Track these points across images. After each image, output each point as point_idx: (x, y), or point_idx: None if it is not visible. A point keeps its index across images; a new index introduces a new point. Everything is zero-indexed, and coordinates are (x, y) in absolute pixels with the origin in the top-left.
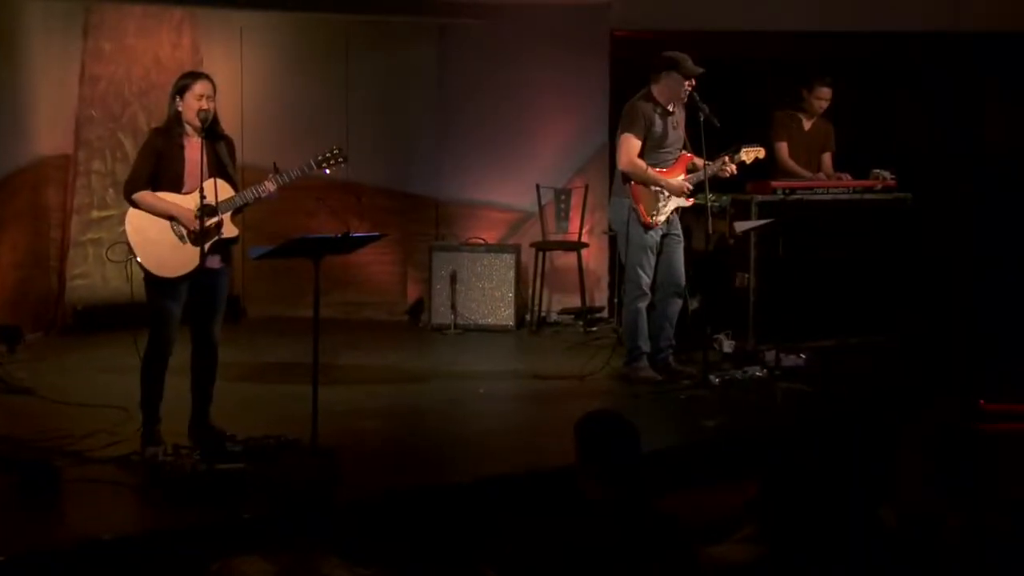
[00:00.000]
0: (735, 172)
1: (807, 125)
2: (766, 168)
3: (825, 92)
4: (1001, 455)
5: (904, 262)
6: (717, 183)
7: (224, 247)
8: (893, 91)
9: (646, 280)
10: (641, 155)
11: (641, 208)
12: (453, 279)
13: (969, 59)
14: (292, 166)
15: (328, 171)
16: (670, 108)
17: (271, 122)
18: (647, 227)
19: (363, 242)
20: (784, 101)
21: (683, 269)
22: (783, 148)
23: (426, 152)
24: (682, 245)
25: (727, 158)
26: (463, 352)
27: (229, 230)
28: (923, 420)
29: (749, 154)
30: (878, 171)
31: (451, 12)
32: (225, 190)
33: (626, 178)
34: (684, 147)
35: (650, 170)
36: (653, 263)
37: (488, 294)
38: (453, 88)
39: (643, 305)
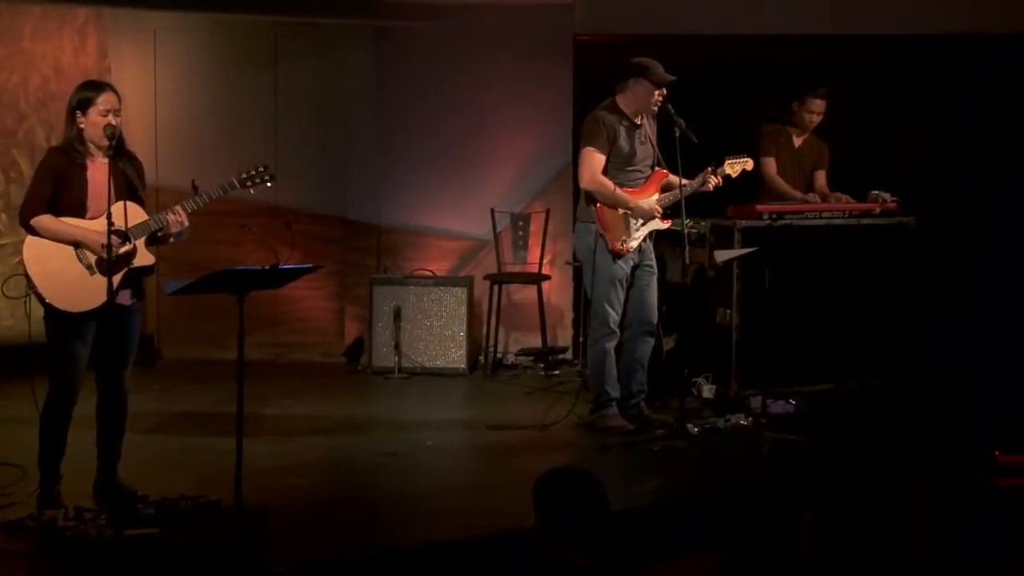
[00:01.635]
0: (720, 184)
1: (798, 142)
2: (751, 189)
3: (818, 105)
4: (1019, 513)
5: (908, 295)
6: (695, 206)
7: (136, 279)
8: (895, 102)
9: (614, 317)
10: (606, 173)
11: (609, 234)
12: (397, 316)
13: (984, 64)
14: (212, 186)
15: (253, 191)
16: (638, 120)
17: (188, 136)
18: (616, 256)
19: (294, 275)
20: (772, 115)
21: (656, 305)
22: (771, 164)
23: (365, 172)
24: (655, 277)
25: (709, 170)
26: (408, 399)
27: (142, 258)
28: (932, 474)
29: (735, 166)
30: (877, 192)
31: (392, 13)
32: (137, 214)
33: (591, 200)
34: (657, 164)
35: (617, 189)
36: (623, 297)
37: (436, 333)
38: (396, 100)
39: (611, 345)
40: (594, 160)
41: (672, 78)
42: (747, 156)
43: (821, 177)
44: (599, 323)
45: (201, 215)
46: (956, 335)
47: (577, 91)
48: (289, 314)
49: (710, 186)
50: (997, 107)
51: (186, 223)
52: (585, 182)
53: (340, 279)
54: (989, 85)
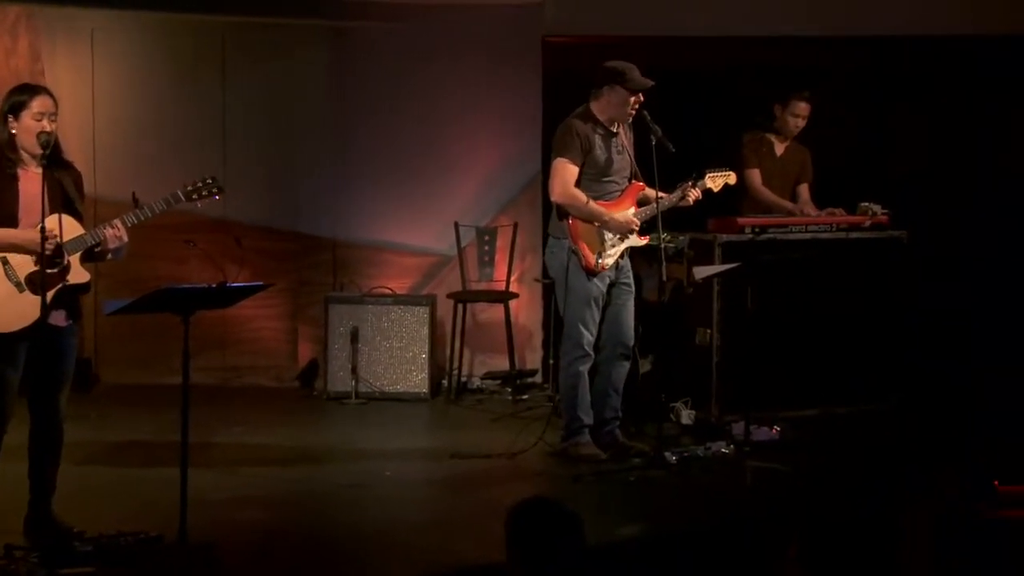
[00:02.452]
0: (699, 197)
1: (780, 149)
2: (733, 200)
3: (802, 108)
4: (1020, 545)
5: (901, 314)
6: (673, 220)
7: (72, 298)
8: (886, 107)
9: (589, 338)
10: (579, 185)
11: (583, 249)
12: (354, 337)
13: (982, 67)
14: (155, 198)
15: (200, 205)
16: (614, 128)
17: (129, 145)
18: (591, 273)
19: (243, 293)
20: (754, 121)
21: (632, 326)
22: (755, 176)
23: (321, 183)
24: (633, 296)
25: (689, 185)
26: (366, 426)
27: (78, 275)
28: (929, 505)
29: (716, 180)
30: (867, 204)
31: (350, 13)
32: (72, 227)
33: (563, 213)
34: (633, 176)
35: (591, 202)
36: (598, 317)
37: (397, 355)
38: (353, 105)
39: (585, 368)
40: (566, 171)
41: (649, 83)
42: (729, 169)
43: (805, 191)
44: (572, 345)
45: (142, 229)
46: (952, 355)
47: (547, 96)
48: (238, 335)
49: (690, 200)
50: (995, 112)
51: (125, 238)
52: (556, 195)
53: (293, 298)
54: (987, 89)
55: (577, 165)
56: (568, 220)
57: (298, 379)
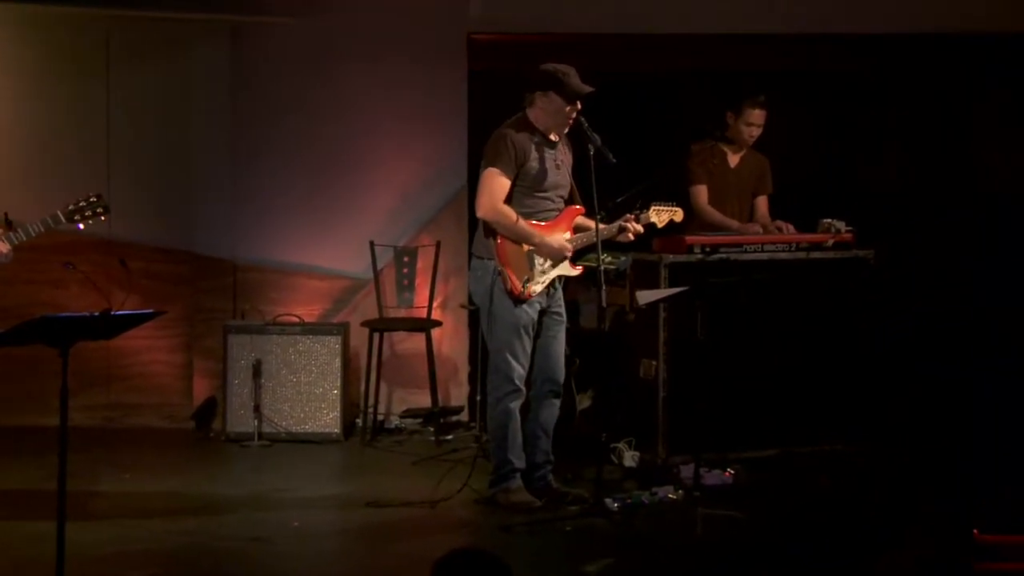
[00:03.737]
0: (641, 232)
1: (734, 160)
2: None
3: (757, 115)
4: None
5: (868, 343)
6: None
7: None
8: (852, 113)
9: (519, 371)
10: (510, 200)
11: (510, 273)
12: (257, 371)
13: (959, 68)
14: (32, 219)
15: (83, 226)
16: (552, 138)
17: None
18: (517, 299)
19: (131, 322)
20: (704, 130)
21: (563, 360)
22: (701, 193)
23: (219, 198)
24: (564, 327)
25: (632, 218)
26: (271, 471)
27: None
28: (903, 555)
29: (662, 214)
30: (829, 221)
31: (250, 7)
32: None
33: (490, 231)
34: (571, 198)
35: (521, 220)
36: (529, 348)
37: (305, 391)
38: (256, 111)
39: (516, 405)
40: (495, 184)
41: (588, 90)
42: (676, 205)
43: (763, 204)
44: (501, 379)
45: (15, 251)
46: (925, 389)
47: (473, 100)
48: (125, 370)
49: (629, 235)
50: (972, 118)
51: (8, 256)
52: (483, 210)
53: (188, 327)
54: (963, 92)
55: (508, 178)
56: (495, 239)
57: (193, 419)
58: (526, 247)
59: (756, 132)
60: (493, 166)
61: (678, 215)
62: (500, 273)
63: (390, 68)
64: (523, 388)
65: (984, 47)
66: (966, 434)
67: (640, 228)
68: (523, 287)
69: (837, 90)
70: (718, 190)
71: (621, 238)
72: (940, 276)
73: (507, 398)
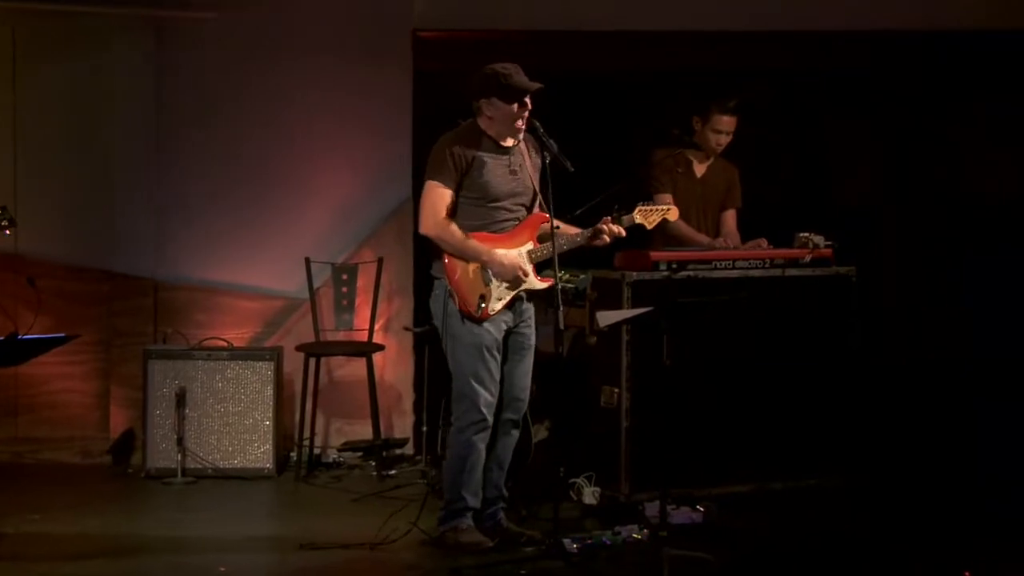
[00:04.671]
0: (622, 234)
1: (700, 169)
2: (642, 233)
3: (727, 122)
4: None
5: (849, 368)
6: (572, 254)
7: None
8: (830, 117)
9: (487, 398)
10: (457, 213)
11: (460, 294)
12: (180, 400)
13: (945, 68)
14: None
15: None
16: (507, 143)
17: None
18: (474, 319)
19: (40, 347)
20: (669, 135)
21: (527, 387)
22: (665, 202)
23: (138, 210)
24: (532, 350)
25: (609, 219)
26: (196, 510)
27: None
28: None
29: (650, 215)
30: (806, 235)
31: (173, 1)
32: None
33: (438, 249)
34: (536, 204)
35: (457, 233)
36: (497, 371)
37: (234, 422)
38: (180, 114)
39: (481, 438)
40: (435, 198)
41: (533, 86)
42: (669, 205)
43: (731, 219)
44: (467, 407)
45: None
46: (913, 417)
47: (419, 103)
48: (34, 400)
49: (606, 238)
50: (959, 124)
51: None
52: (424, 226)
53: (104, 352)
54: (949, 95)
55: (450, 190)
56: (444, 257)
57: (110, 454)
58: (475, 264)
59: (725, 140)
60: (432, 179)
61: (672, 214)
62: (451, 294)
63: (328, 68)
64: (490, 420)
65: (973, 46)
66: (961, 467)
67: (620, 231)
68: (478, 308)
69: (810, 93)
70: (683, 201)
71: (597, 243)
72: (925, 295)
73: (471, 429)
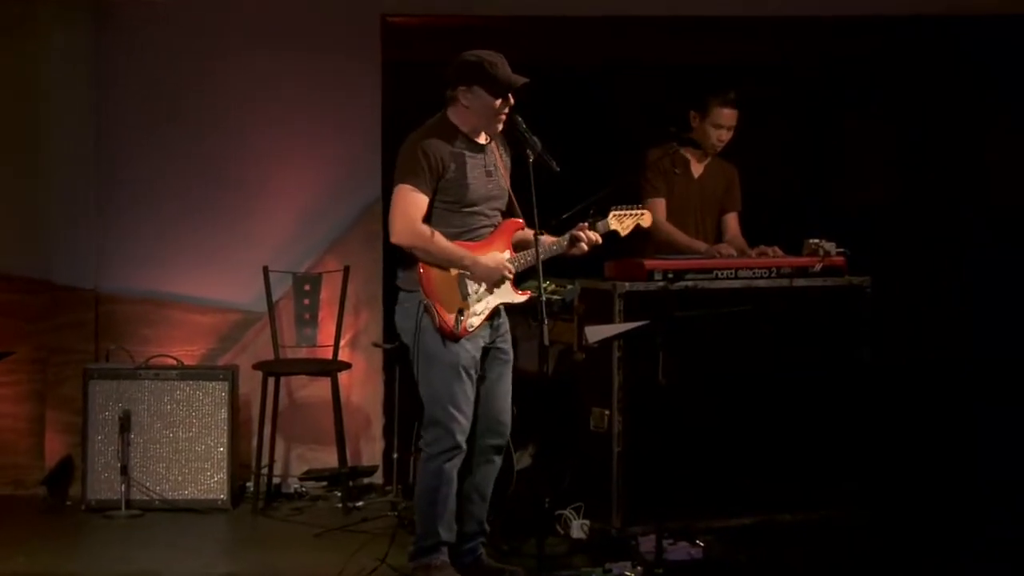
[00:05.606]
0: (598, 242)
1: (698, 169)
2: (635, 238)
3: (727, 115)
4: None
5: (863, 390)
6: (559, 263)
7: None
8: (840, 111)
9: (462, 423)
10: (431, 219)
11: (439, 307)
12: (125, 425)
13: (962, 57)
14: None
15: None
16: (480, 140)
17: None
18: (451, 336)
19: None
20: (665, 131)
21: (509, 408)
22: (659, 207)
23: (78, 216)
24: (511, 366)
25: (585, 225)
26: (142, 547)
27: None
28: None
29: (624, 220)
30: (816, 242)
31: None
32: None
33: (411, 259)
34: (509, 209)
35: (440, 241)
36: (472, 394)
37: (184, 449)
38: (123, 110)
39: (453, 466)
40: (409, 203)
41: (521, 81)
42: (643, 208)
43: (733, 222)
44: (441, 433)
45: None
46: (935, 441)
47: (388, 95)
48: None
49: (584, 246)
50: (984, 117)
51: None
52: (397, 234)
53: (39, 371)
54: (973, 85)
55: (425, 194)
56: (417, 268)
57: (45, 484)
58: (455, 272)
59: (726, 136)
60: (405, 182)
61: (645, 219)
62: (426, 306)
63: (288, 58)
64: (464, 446)
65: (996, 32)
66: (980, 499)
67: (597, 238)
68: (456, 323)
69: (816, 86)
70: (678, 204)
71: (574, 251)
72: (945, 307)
73: (444, 456)
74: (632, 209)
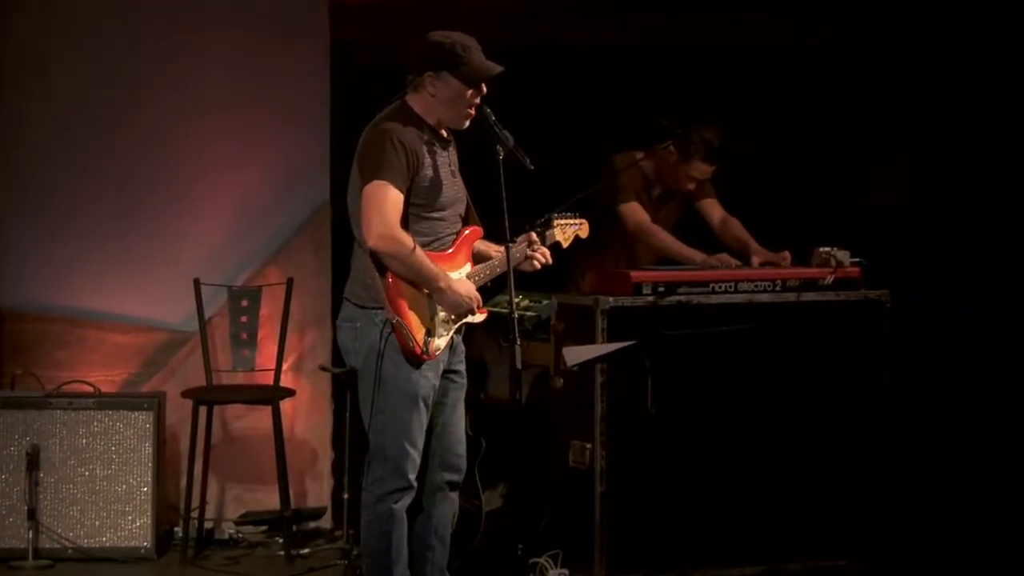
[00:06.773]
0: (548, 263)
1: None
2: (619, 246)
3: (705, 170)
4: None
5: (884, 419)
6: (536, 276)
7: None
8: (851, 105)
9: (415, 459)
10: (404, 223)
11: (410, 324)
12: (33, 462)
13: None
14: None
15: None
16: (445, 134)
17: None
18: (415, 360)
19: None
20: (654, 122)
21: (464, 438)
22: (634, 211)
23: None
24: (464, 390)
25: (533, 235)
26: None
27: None
28: None
29: (566, 230)
30: (828, 250)
31: None
32: None
33: (376, 267)
34: (467, 215)
35: (421, 255)
36: (426, 424)
37: (103, 489)
38: (20, 99)
39: (403, 505)
40: (387, 201)
41: (497, 69)
42: (579, 216)
43: (715, 208)
44: (390, 471)
45: None
46: (960, 478)
47: (337, 85)
48: None
49: (536, 264)
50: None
51: None
52: (375, 237)
53: None
54: (999, 72)
55: (403, 192)
56: (386, 278)
57: None
58: (424, 290)
59: (696, 183)
60: (380, 177)
61: (584, 230)
62: (395, 327)
63: (222, 39)
64: (414, 484)
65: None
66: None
67: (546, 254)
68: (425, 345)
69: (822, 75)
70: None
71: (524, 268)
72: (977, 323)
73: (393, 497)
74: (570, 218)
